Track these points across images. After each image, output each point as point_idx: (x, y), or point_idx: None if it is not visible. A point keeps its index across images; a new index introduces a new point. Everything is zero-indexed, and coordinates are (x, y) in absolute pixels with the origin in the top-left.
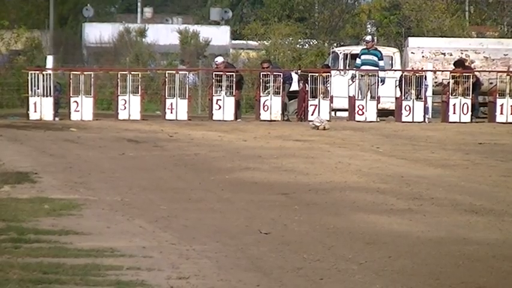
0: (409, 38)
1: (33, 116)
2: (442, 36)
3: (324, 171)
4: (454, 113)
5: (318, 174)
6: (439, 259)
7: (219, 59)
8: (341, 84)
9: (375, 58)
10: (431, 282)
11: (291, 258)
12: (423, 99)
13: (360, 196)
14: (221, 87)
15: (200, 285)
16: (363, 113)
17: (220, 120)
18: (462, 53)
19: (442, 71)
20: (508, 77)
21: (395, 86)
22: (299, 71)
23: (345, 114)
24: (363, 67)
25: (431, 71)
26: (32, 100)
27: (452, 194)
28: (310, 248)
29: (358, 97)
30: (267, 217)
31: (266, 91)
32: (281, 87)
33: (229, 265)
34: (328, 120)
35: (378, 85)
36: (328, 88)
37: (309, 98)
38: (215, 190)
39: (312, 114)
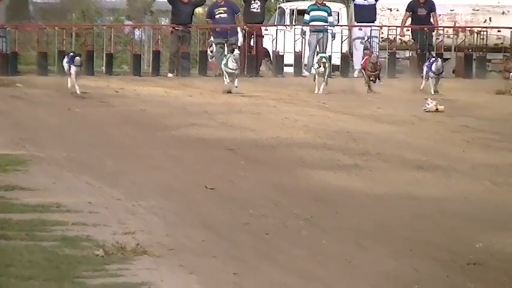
0: None
1: None
2: None
3: (270, 127)
4: None
5: (264, 130)
6: (385, 215)
7: None
8: (288, 40)
9: (325, 14)
10: (378, 237)
11: (238, 214)
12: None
13: (307, 152)
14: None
15: (146, 240)
16: (310, 68)
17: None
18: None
19: (389, 26)
20: (454, 32)
21: (341, 42)
22: (245, 28)
23: (291, 69)
24: (313, 23)
25: (377, 26)
26: None
27: (399, 150)
28: (257, 203)
29: (306, 52)
30: (213, 173)
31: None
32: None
33: (175, 221)
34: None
35: (328, 41)
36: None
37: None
38: (162, 147)
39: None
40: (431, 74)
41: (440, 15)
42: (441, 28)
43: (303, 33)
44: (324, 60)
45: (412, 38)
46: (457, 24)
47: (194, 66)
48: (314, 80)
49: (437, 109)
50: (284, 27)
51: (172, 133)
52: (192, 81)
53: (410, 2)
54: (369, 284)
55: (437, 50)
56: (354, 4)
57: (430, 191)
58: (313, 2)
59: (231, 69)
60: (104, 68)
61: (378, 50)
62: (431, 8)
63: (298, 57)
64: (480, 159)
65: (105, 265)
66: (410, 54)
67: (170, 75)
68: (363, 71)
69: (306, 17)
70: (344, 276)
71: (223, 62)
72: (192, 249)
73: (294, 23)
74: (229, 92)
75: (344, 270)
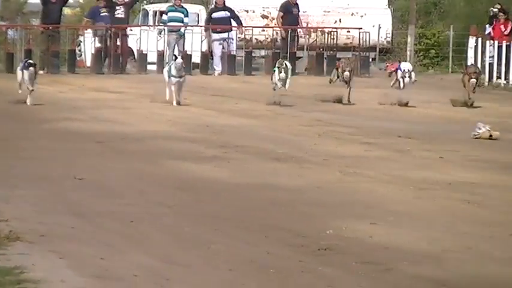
0: None
1: None
2: None
3: (137, 121)
4: None
5: (131, 123)
6: (245, 203)
7: None
8: (151, 40)
9: (182, 15)
10: (237, 224)
11: (105, 202)
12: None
13: (171, 144)
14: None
15: (19, 227)
16: None
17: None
18: (264, 10)
19: (246, 27)
20: (307, 32)
21: (201, 41)
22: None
23: (155, 67)
24: (170, 23)
25: (234, 27)
26: None
27: (256, 142)
28: (123, 192)
29: (166, 51)
30: (83, 164)
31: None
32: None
33: (47, 209)
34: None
35: (185, 40)
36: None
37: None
38: (35, 139)
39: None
40: (399, 74)
41: None
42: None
43: (160, 32)
44: (284, 66)
45: (283, 37)
46: (309, 25)
47: (63, 63)
48: (274, 90)
49: (490, 135)
50: (147, 28)
51: (45, 126)
52: (61, 78)
53: (284, 3)
54: (228, 268)
55: (291, 49)
56: (211, 17)
57: (285, 181)
58: (171, 4)
59: (174, 76)
60: None
61: (235, 50)
62: (299, 9)
63: (160, 55)
64: (331, 151)
65: None
66: (266, 53)
67: (41, 72)
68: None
69: (164, 17)
70: (205, 260)
71: (166, 69)
72: (63, 235)
73: (156, 24)
74: (178, 103)
75: (205, 254)
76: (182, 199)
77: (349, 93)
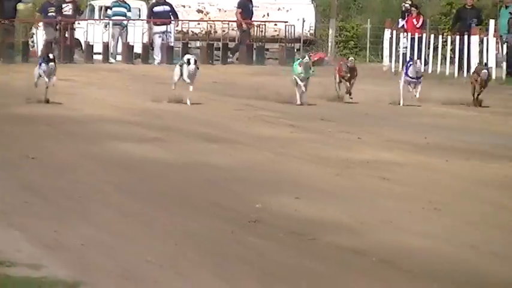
0: None
1: None
2: None
3: (84, 106)
4: None
5: (79, 108)
6: (182, 181)
7: None
8: (97, 32)
9: (125, 10)
10: (177, 200)
11: (57, 180)
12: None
13: (116, 127)
14: None
15: None
16: (116, 56)
17: None
18: (199, 5)
19: (182, 20)
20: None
21: (142, 34)
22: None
23: (100, 57)
24: (114, 17)
25: (172, 20)
26: None
27: (192, 126)
28: (73, 171)
29: (110, 43)
30: (36, 145)
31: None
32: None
33: (2, 186)
34: None
35: (128, 33)
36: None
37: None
38: None
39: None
40: (407, 79)
41: (226, 10)
42: (226, 22)
43: (105, 26)
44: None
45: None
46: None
47: (18, 54)
48: (296, 86)
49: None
50: (93, 21)
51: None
52: (16, 67)
53: (241, 0)
54: (168, 239)
55: (223, 40)
56: (152, 11)
57: (219, 160)
58: (116, 0)
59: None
60: None
61: (173, 41)
62: (253, 4)
63: (105, 47)
64: (261, 133)
65: None
66: (201, 44)
67: None
68: (336, 75)
69: (109, 12)
70: (149, 234)
71: (177, 69)
72: (18, 211)
73: (102, 18)
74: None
75: (149, 229)
76: (127, 177)
77: (350, 87)
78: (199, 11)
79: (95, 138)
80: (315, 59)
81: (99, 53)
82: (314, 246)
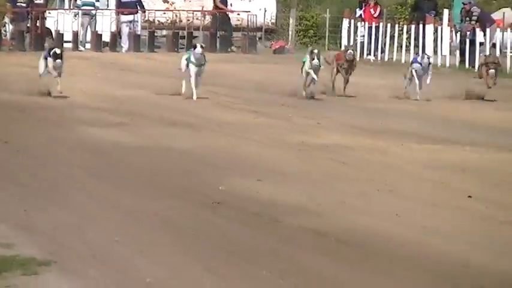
0: None
1: None
2: None
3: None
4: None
5: (46, 94)
6: (149, 165)
7: None
8: (67, 21)
9: (93, 0)
10: (142, 182)
11: (27, 163)
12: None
13: (84, 113)
14: None
15: None
16: (85, 44)
17: None
18: None
19: (149, 10)
20: (202, 15)
21: (110, 23)
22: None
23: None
24: (84, 7)
25: (138, 10)
26: None
27: (157, 111)
28: (44, 155)
29: (80, 31)
30: (8, 130)
31: None
32: None
33: None
34: None
35: (97, 22)
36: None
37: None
38: None
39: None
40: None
41: (190, 0)
42: (191, 11)
43: (74, 15)
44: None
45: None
46: (204, 8)
47: None
48: (306, 77)
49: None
50: (64, 11)
51: None
52: None
53: None
54: (138, 222)
55: (188, 29)
56: (120, 2)
57: (183, 144)
58: None
59: (193, 63)
60: None
61: (140, 30)
62: None
63: (75, 35)
64: (224, 119)
65: None
66: (167, 33)
67: None
68: (334, 65)
69: (78, 2)
70: (117, 216)
71: (185, 57)
72: None
73: (72, 8)
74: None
75: (117, 211)
76: (94, 161)
77: (346, 83)
78: (165, 1)
79: (65, 123)
80: (276, 47)
81: (69, 42)
82: (275, 227)
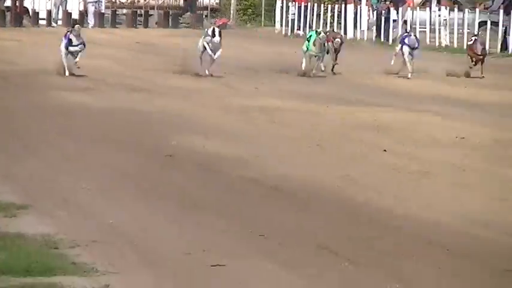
0: None
1: None
2: None
3: (29, 61)
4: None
5: (25, 63)
6: (112, 124)
7: None
8: (41, 1)
9: None
10: (104, 139)
11: (7, 124)
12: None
13: (54, 79)
14: None
15: None
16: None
17: None
18: None
19: None
20: None
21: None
22: None
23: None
24: None
25: None
26: None
27: (119, 78)
28: (20, 115)
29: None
30: None
31: None
32: None
33: None
34: None
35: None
36: None
37: None
38: None
39: None
40: (406, 50)
41: None
42: None
43: None
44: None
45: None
46: None
47: None
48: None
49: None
50: None
51: None
52: None
53: None
54: (101, 171)
55: (144, 8)
56: None
57: (141, 106)
58: None
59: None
60: None
61: (104, 9)
62: None
63: (48, 13)
64: (176, 85)
65: None
66: (126, 12)
67: None
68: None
69: None
70: (83, 167)
71: (201, 42)
72: None
73: None
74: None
75: (83, 163)
76: (65, 121)
77: (334, 64)
78: None
79: (38, 88)
80: (220, 23)
81: (44, 19)
82: (219, 176)
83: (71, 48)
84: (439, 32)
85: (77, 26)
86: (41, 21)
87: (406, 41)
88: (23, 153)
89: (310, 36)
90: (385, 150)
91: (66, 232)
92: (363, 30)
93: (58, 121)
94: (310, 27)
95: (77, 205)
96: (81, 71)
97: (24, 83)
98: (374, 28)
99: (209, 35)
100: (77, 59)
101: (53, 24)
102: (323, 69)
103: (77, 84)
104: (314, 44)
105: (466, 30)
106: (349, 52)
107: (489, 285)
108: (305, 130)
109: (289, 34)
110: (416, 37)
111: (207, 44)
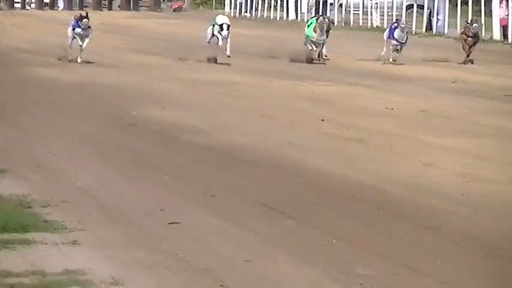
0: None
1: None
2: None
3: (7, 41)
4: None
5: (4, 43)
6: (79, 95)
7: None
8: None
9: None
10: (75, 110)
11: None
12: None
13: (30, 56)
14: None
15: None
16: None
17: None
18: None
19: None
20: None
21: None
22: None
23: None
24: None
25: None
26: None
27: (86, 56)
28: (5, 91)
29: None
30: None
31: None
32: None
33: None
34: None
35: None
36: None
37: None
38: None
39: None
40: (393, 43)
41: None
42: None
43: None
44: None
45: None
46: None
47: None
48: (312, 47)
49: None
50: None
51: None
52: None
53: None
54: (69, 138)
55: None
56: None
57: (104, 80)
58: None
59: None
60: None
61: None
62: None
63: None
64: (136, 61)
65: None
66: None
67: None
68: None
69: None
70: (54, 134)
71: (209, 30)
72: None
73: None
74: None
75: (54, 130)
76: (39, 93)
77: (321, 50)
78: None
79: (15, 64)
80: (175, 6)
81: (18, 2)
82: (175, 143)
83: (78, 30)
84: (371, 14)
85: (84, 20)
86: (16, 5)
87: (395, 35)
88: (1, 121)
89: (311, 23)
90: (322, 120)
91: (39, 193)
92: (303, 13)
93: (33, 93)
94: (256, 9)
95: (48, 169)
96: (52, 49)
97: (4, 59)
98: (313, 10)
99: (218, 25)
100: (84, 45)
101: (27, 7)
102: (326, 54)
103: (50, 61)
104: (315, 31)
105: (394, 13)
106: (292, 32)
107: (414, 238)
108: (252, 101)
109: (237, 16)
110: (406, 32)
111: (218, 33)
